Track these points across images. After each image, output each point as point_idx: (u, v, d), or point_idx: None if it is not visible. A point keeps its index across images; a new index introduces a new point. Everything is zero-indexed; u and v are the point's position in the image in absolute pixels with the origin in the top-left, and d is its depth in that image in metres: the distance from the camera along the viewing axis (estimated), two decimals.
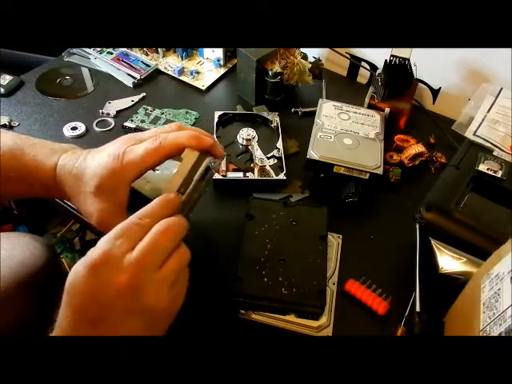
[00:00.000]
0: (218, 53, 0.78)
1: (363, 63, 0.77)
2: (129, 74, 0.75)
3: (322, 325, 0.45)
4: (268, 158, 0.61)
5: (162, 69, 0.78)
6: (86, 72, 0.77)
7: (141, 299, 0.31)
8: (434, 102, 0.74)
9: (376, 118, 0.64)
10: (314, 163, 0.56)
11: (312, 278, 0.46)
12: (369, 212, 0.58)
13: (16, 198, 0.83)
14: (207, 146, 0.41)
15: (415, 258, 0.49)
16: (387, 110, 0.65)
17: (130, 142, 0.40)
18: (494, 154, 0.57)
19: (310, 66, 0.70)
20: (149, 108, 0.70)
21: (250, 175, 0.58)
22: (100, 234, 0.36)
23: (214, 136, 0.63)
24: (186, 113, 0.70)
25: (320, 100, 0.66)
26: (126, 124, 0.67)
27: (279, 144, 0.62)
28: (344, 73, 0.81)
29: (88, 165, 0.40)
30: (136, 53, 0.79)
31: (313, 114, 0.65)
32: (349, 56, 0.78)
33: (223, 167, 0.58)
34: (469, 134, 0.65)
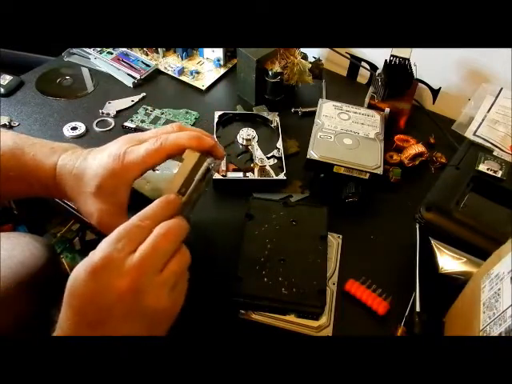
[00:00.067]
0: (218, 53, 0.78)
1: (363, 63, 0.77)
2: (129, 74, 0.75)
3: (322, 325, 0.45)
4: (268, 158, 0.61)
5: (162, 69, 0.78)
6: (86, 72, 0.77)
7: (141, 303, 0.31)
8: (434, 102, 0.74)
9: (376, 118, 0.64)
10: (314, 163, 0.56)
11: (312, 278, 0.46)
12: (369, 212, 0.58)
13: (16, 198, 0.83)
14: (208, 146, 0.41)
15: (415, 258, 0.49)
16: (387, 109, 0.65)
17: (130, 142, 0.40)
18: (494, 153, 0.57)
19: (310, 65, 0.70)
20: (149, 108, 0.70)
21: (249, 175, 0.58)
22: (100, 234, 0.36)
23: (214, 136, 0.63)
24: (186, 113, 0.70)
25: (320, 100, 0.66)
26: (125, 124, 0.67)
27: (279, 144, 0.62)
28: (344, 73, 0.81)
29: (88, 165, 0.40)
30: (136, 53, 0.79)
31: (313, 114, 0.65)
32: (349, 56, 0.78)
33: (223, 167, 0.58)
34: (469, 134, 0.65)
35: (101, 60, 0.77)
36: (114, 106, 0.70)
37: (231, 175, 0.58)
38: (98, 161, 0.40)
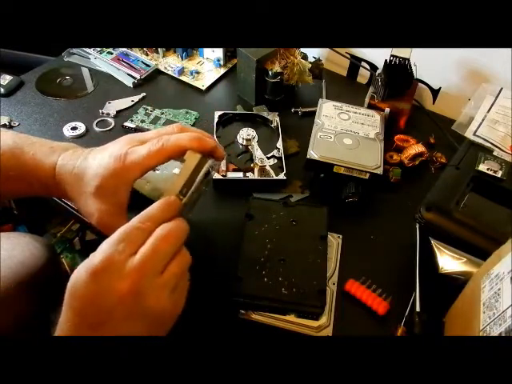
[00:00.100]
0: (218, 53, 0.78)
1: (363, 63, 0.77)
2: (129, 74, 0.75)
3: (322, 325, 0.45)
4: (268, 158, 0.61)
5: (162, 69, 0.78)
6: (86, 72, 0.77)
7: (142, 305, 0.31)
8: (434, 102, 0.74)
9: (376, 118, 0.64)
10: (314, 163, 0.56)
11: (312, 277, 0.46)
12: (369, 212, 0.58)
13: (16, 197, 0.83)
14: (209, 148, 0.40)
15: (415, 258, 0.49)
16: (387, 110, 0.65)
17: (131, 142, 0.40)
18: (494, 154, 0.57)
19: (310, 65, 0.70)
20: (149, 108, 0.70)
21: (250, 175, 0.58)
22: (100, 234, 0.36)
23: (214, 136, 0.63)
24: (186, 113, 0.70)
25: (320, 100, 0.66)
26: (126, 124, 0.67)
27: (279, 144, 0.62)
28: (344, 73, 0.81)
29: (89, 165, 0.40)
30: (136, 53, 0.79)
31: (313, 114, 0.65)
32: (349, 56, 0.78)
33: (223, 167, 0.58)
34: (469, 134, 0.65)
35: (101, 60, 0.77)
36: (114, 106, 0.70)
37: (231, 175, 0.58)
38: (98, 161, 0.40)
